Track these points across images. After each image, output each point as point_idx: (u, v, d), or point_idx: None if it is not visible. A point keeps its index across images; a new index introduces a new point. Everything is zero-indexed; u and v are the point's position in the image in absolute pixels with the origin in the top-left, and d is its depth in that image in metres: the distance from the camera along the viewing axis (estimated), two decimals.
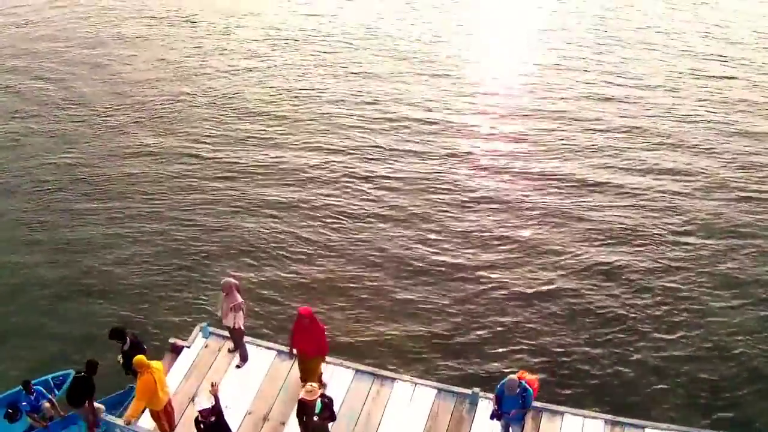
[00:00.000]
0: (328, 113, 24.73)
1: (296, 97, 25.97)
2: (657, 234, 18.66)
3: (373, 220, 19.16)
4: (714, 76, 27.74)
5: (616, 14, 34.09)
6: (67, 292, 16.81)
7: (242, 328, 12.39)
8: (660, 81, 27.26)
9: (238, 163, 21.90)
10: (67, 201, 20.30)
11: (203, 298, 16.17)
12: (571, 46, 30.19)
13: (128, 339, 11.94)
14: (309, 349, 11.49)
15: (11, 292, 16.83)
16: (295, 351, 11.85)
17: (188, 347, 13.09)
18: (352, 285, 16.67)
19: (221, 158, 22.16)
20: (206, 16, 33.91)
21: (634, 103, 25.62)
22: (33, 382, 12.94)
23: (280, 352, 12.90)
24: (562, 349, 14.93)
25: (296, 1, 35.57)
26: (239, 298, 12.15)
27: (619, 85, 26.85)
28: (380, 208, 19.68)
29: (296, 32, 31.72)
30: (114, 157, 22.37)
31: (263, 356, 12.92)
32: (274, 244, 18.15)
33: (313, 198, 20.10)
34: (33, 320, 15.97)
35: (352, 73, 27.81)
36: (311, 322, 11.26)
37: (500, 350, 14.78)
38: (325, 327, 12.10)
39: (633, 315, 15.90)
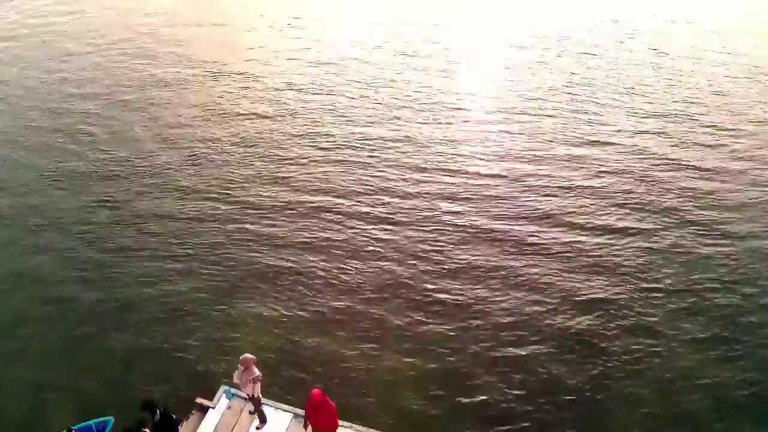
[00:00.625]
0: (340, 157, 26.21)
1: (313, 141, 27.46)
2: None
3: (387, 263, 20.27)
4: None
5: (617, 53, 35.44)
6: (98, 333, 18.03)
7: (260, 396, 13.70)
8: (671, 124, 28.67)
9: (263, 203, 23.25)
10: (104, 239, 21.73)
11: (226, 351, 17.15)
12: (577, 87, 31.84)
13: (159, 411, 13.19)
14: (321, 425, 12.77)
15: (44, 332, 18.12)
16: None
17: (213, 408, 14.46)
18: (369, 336, 17.65)
19: (248, 199, 23.54)
20: (234, 64, 36.56)
21: (646, 148, 26.88)
22: (75, 427, 14.18)
23: (296, 414, 14.22)
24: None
25: (312, 53, 37.52)
26: (257, 372, 13.41)
27: (630, 130, 28.14)
28: (391, 251, 20.81)
29: (313, 81, 33.57)
30: (149, 198, 23.86)
31: (281, 418, 14.20)
32: (298, 288, 19.31)
33: (337, 240, 21.36)
34: (63, 364, 17.11)
35: (363, 118, 29.42)
36: (322, 402, 12.50)
37: (523, 410, 15.64)
38: (335, 398, 13.28)
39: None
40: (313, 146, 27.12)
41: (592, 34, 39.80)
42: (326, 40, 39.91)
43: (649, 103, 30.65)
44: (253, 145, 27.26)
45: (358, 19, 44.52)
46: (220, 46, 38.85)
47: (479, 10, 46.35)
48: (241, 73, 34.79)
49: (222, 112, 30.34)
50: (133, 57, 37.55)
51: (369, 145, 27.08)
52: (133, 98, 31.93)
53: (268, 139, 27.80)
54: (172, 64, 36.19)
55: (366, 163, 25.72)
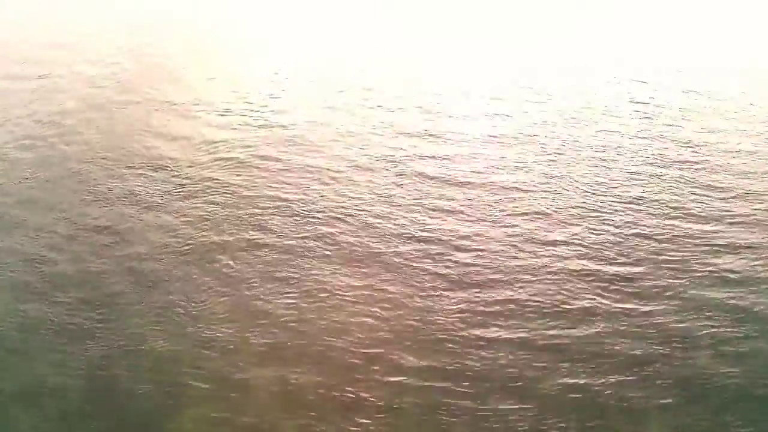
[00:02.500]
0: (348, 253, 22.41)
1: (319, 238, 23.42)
2: None
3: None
4: None
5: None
6: None
7: None
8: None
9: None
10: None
11: None
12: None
13: None
14: None
15: None
16: None
17: None
18: None
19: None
20: (206, 134, 32.91)
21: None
22: None
23: None
24: None
25: (298, 122, 33.36)
26: None
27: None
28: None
29: (304, 159, 29.49)
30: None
31: None
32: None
33: None
34: None
35: (369, 205, 25.32)
36: None
37: None
38: None
39: None
40: (319, 244, 23.10)
41: (609, 109, 35.86)
42: (310, 101, 36.03)
43: (677, 197, 27.50)
44: (244, 255, 22.48)
45: (340, 71, 40.85)
46: (191, 119, 34.87)
47: (479, 71, 42.42)
48: (221, 143, 30.97)
49: (199, 201, 25.94)
50: (92, 132, 33.53)
51: (383, 234, 23.55)
52: (95, 187, 27.36)
53: (261, 247, 23.05)
54: (140, 148, 31.64)
55: (391, 263, 21.86)
